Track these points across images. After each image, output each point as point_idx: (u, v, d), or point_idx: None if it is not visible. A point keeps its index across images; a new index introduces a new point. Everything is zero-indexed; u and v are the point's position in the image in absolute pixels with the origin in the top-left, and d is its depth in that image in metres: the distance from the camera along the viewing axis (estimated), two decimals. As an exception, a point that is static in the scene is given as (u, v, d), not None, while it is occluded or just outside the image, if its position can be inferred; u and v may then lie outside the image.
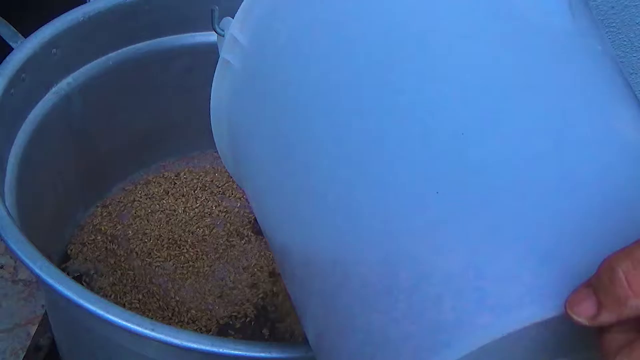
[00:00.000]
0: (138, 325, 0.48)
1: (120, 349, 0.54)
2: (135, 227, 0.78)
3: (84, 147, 0.76)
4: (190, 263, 0.75)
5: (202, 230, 0.78)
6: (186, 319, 0.71)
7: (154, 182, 0.83)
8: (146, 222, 0.79)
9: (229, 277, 0.75)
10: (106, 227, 0.78)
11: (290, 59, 0.44)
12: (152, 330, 0.47)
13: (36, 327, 0.91)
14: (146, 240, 0.77)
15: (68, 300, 0.49)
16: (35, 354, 0.82)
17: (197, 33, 0.76)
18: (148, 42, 0.75)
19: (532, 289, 0.32)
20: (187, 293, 0.73)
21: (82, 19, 0.69)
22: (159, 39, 0.76)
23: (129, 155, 0.81)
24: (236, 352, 0.47)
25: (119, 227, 0.78)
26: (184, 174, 0.84)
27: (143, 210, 0.80)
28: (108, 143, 0.79)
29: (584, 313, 0.29)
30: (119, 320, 0.48)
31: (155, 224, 0.78)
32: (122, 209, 0.80)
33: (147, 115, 0.80)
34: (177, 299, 0.72)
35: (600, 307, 0.29)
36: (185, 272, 0.75)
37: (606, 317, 0.29)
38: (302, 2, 0.44)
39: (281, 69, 0.45)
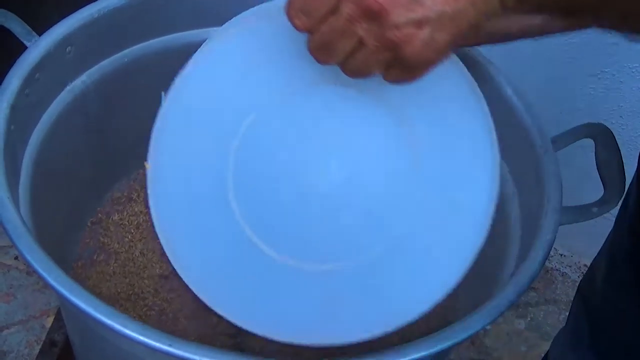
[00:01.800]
0: (156, 340, 0.47)
1: (136, 360, 0.53)
2: (92, 283, 0.71)
3: (97, 146, 0.75)
4: (169, 314, 0.71)
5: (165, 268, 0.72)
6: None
7: (135, 202, 0.79)
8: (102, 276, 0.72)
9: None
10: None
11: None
12: (170, 346, 0.47)
13: (51, 319, 0.91)
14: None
15: (85, 314, 0.48)
16: (51, 349, 0.82)
17: (211, 28, 0.74)
18: (163, 38, 0.74)
19: None
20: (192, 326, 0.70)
21: (96, 15, 0.68)
22: (174, 35, 0.74)
23: (129, 156, 0.77)
24: (255, 369, 0.47)
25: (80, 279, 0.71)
26: None
27: (103, 255, 0.74)
28: (116, 141, 0.77)
29: None
30: (137, 335, 0.47)
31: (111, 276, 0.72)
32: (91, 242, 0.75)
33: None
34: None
35: None
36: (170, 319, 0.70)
37: None
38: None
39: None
